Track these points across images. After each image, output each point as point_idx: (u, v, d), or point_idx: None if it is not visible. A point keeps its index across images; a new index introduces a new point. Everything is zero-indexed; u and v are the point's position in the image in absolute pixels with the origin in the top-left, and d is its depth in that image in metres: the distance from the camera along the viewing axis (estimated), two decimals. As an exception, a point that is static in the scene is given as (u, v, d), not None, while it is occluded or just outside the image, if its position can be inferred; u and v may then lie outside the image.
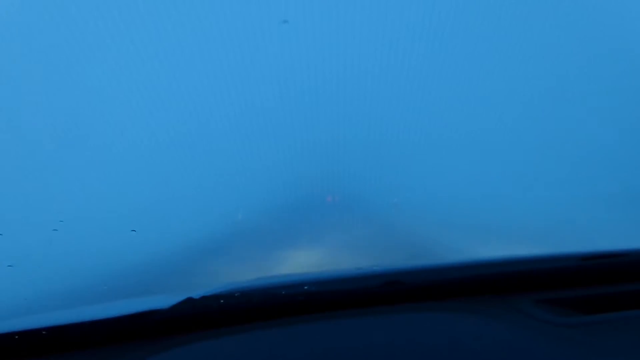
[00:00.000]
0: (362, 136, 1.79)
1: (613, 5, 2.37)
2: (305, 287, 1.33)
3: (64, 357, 1.18)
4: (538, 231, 1.70)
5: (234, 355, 1.14)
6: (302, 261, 1.63)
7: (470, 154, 1.88)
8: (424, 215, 1.69)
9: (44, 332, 1.19)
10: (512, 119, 2.04)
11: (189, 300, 1.28)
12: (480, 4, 2.19)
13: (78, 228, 1.81)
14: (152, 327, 1.25)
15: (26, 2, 2.20)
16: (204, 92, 2.02)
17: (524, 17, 2.23)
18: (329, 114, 1.85)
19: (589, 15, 2.29)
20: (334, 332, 1.21)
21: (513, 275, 1.43)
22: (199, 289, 1.34)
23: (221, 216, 1.79)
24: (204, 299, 1.29)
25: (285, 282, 1.38)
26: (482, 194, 1.77)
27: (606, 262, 1.48)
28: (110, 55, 2.11)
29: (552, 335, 1.16)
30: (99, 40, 2.08)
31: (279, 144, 1.81)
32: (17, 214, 1.85)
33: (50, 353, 1.19)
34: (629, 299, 1.38)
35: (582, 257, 1.48)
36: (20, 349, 1.19)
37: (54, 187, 1.93)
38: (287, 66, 1.93)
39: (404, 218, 1.66)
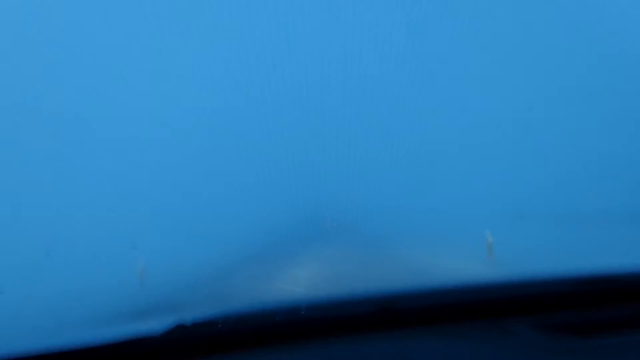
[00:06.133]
0: (361, 157, 1.77)
1: (614, 7, 2.34)
2: (302, 312, 1.31)
3: None
4: (535, 250, 1.68)
5: None
6: (298, 281, 1.61)
7: (467, 171, 1.86)
8: (419, 238, 1.67)
9: None
10: (512, 130, 2.01)
11: (180, 327, 1.26)
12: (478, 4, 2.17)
13: (75, 243, 1.77)
14: (141, 355, 1.23)
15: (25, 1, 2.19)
16: (203, 104, 1.99)
17: (525, 17, 2.21)
18: (325, 134, 1.83)
19: (592, 16, 2.27)
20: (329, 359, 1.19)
21: (509, 299, 1.41)
22: (190, 311, 1.31)
23: (216, 235, 1.76)
24: (196, 325, 1.27)
25: (279, 307, 1.36)
26: (477, 216, 1.75)
27: (604, 285, 1.46)
28: (114, 54, 2.09)
29: None
30: (101, 35, 2.07)
31: (275, 164, 1.79)
32: (9, 227, 1.79)
33: None
34: (629, 322, 1.36)
35: (579, 280, 1.46)
36: None
37: (50, 194, 1.87)
38: (284, 78, 1.91)
39: (400, 240, 1.65)
